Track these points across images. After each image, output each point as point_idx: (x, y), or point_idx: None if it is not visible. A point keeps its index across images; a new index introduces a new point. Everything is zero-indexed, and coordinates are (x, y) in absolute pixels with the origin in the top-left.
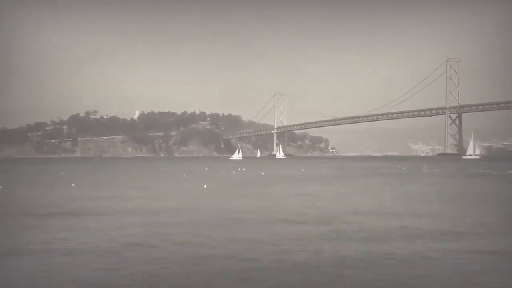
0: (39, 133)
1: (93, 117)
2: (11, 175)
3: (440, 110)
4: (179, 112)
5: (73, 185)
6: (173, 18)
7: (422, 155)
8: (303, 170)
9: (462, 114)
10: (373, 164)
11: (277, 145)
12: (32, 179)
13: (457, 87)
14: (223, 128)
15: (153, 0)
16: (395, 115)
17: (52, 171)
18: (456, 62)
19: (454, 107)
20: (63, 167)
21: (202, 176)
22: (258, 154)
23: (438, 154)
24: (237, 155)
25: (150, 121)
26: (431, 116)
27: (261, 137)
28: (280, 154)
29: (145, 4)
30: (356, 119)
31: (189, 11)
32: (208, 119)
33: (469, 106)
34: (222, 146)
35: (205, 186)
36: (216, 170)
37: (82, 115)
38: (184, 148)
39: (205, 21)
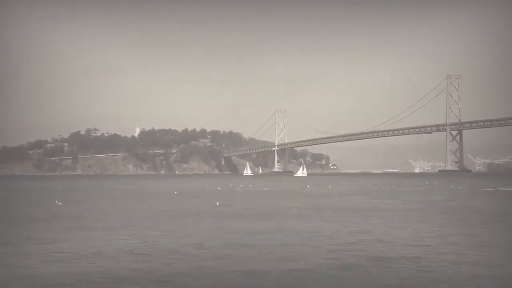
0: (39, 151)
1: (94, 134)
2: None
3: (441, 127)
4: (179, 129)
5: (59, 203)
6: (174, 35)
7: (417, 171)
8: (308, 186)
9: (463, 130)
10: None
11: (301, 165)
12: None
13: (458, 104)
14: (223, 145)
15: (153, 19)
16: (395, 131)
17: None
18: (457, 78)
19: (455, 124)
20: (51, 184)
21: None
22: (260, 171)
23: (439, 171)
24: (301, 172)
25: (151, 138)
26: (431, 133)
27: (262, 154)
28: (302, 172)
29: (146, 23)
30: (356, 136)
31: (190, 29)
32: (209, 136)
33: (470, 122)
34: (223, 163)
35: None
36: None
37: (82, 132)
38: (185, 166)
39: (206, 39)
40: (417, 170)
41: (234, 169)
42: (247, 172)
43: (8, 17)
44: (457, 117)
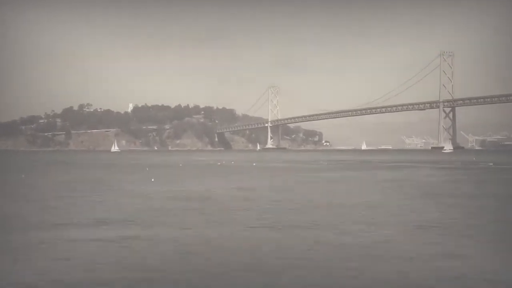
0: (32, 126)
1: (87, 110)
2: None
3: (434, 104)
4: (172, 105)
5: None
6: (166, 12)
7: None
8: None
9: (456, 107)
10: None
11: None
12: None
13: (451, 81)
14: (217, 121)
15: (144, 7)
16: (388, 108)
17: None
18: (450, 55)
19: (448, 101)
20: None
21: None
22: (258, 147)
23: (432, 148)
24: (448, 148)
25: (144, 114)
26: (424, 109)
27: (255, 131)
28: (449, 148)
29: (138, 0)
30: (349, 113)
31: (182, 4)
32: (202, 112)
33: (463, 99)
34: (216, 139)
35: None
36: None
37: (75, 108)
38: (178, 142)
39: (199, 14)
40: (407, 142)
41: (227, 146)
42: (115, 148)
43: (5, 8)
44: (450, 94)
